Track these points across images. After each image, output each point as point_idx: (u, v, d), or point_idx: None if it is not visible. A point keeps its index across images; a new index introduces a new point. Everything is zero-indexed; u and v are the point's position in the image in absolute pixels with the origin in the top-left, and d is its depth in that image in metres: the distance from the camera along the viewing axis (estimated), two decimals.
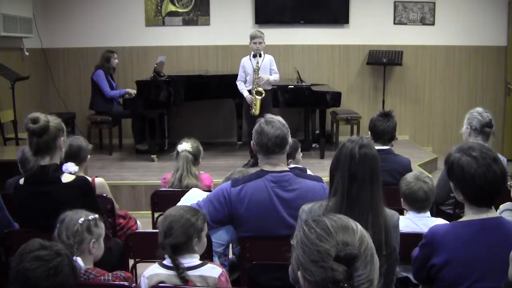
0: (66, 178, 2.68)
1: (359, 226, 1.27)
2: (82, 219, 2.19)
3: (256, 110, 5.53)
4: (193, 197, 2.86)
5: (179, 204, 2.82)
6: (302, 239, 1.25)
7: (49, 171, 2.63)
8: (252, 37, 5.64)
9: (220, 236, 2.72)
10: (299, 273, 1.24)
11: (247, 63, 5.75)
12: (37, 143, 2.61)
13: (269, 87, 5.84)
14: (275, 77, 5.76)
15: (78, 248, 2.16)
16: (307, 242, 1.23)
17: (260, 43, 5.61)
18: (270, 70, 5.75)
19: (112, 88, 6.73)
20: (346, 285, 1.16)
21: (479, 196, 1.98)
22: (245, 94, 5.70)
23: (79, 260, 2.07)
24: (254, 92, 5.60)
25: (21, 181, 2.71)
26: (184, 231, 2.16)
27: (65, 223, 2.18)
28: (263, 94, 5.58)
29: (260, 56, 5.66)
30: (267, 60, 5.75)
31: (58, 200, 2.57)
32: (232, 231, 2.69)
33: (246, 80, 5.75)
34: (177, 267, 2.12)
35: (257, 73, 5.61)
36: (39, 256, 1.70)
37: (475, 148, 2.00)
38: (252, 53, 5.68)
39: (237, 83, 5.82)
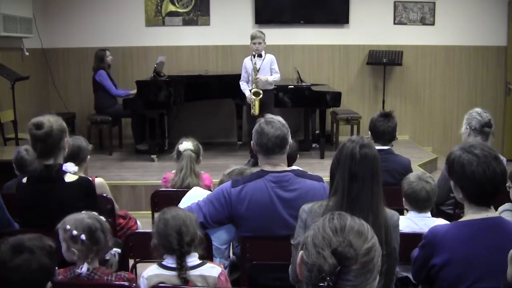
0: (69, 177, 2.70)
1: (376, 242, 1.25)
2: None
3: (255, 111, 5.53)
4: (194, 196, 2.87)
5: (181, 203, 2.83)
6: (320, 223, 1.26)
7: (53, 171, 2.66)
8: (252, 38, 5.64)
9: (220, 237, 2.73)
10: (300, 252, 1.25)
11: (248, 63, 5.75)
12: (41, 148, 2.63)
13: (271, 87, 5.84)
14: (275, 76, 5.75)
15: (94, 257, 2.21)
16: (321, 227, 1.24)
17: (259, 43, 5.61)
18: (270, 70, 5.75)
19: (115, 86, 6.77)
20: (328, 278, 1.16)
21: (478, 194, 1.98)
22: (247, 94, 5.70)
23: (85, 266, 2.14)
24: (251, 93, 5.60)
25: (24, 179, 2.74)
26: (193, 227, 2.20)
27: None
28: (261, 95, 5.57)
29: (260, 56, 5.66)
30: (268, 60, 5.74)
31: (60, 199, 2.60)
32: (232, 230, 2.70)
33: (248, 80, 5.75)
34: (182, 267, 2.13)
35: (256, 73, 5.61)
36: (17, 265, 1.71)
37: (477, 146, 2.01)
38: (253, 53, 5.68)
39: (240, 83, 5.83)
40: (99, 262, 2.27)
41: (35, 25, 6.79)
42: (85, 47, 7.43)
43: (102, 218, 2.28)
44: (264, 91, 5.61)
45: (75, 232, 2.15)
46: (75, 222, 2.18)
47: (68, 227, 2.16)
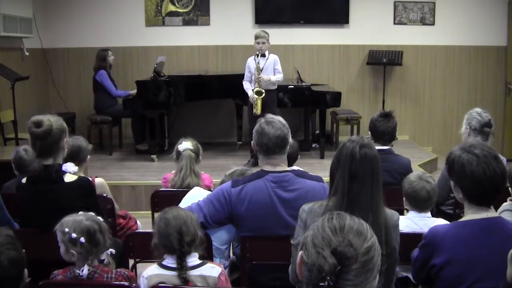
0: (69, 178, 2.69)
1: (376, 241, 1.26)
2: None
3: (257, 110, 5.53)
4: (194, 196, 2.87)
5: (181, 203, 2.83)
6: (319, 223, 1.27)
7: (52, 171, 2.65)
8: (256, 37, 5.64)
9: (220, 237, 2.73)
10: (300, 252, 1.25)
11: (251, 62, 5.75)
12: (40, 146, 2.63)
13: (274, 87, 5.83)
14: (278, 77, 5.75)
15: (94, 258, 2.22)
16: (320, 227, 1.25)
17: (263, 43, 5.60)
18: (274, 70, 5.75)
19: (115, 87, 6.78)
20: (328, 277, 1.17)
21: (478, 194, 1.98)
22: (250, 93, 5.70)
23: (85, 268, 2.15)
24: (254, 92, 5.60)
25: (24, 180, 2.73)
26: (194, 227, 2.20)
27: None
28: (263, 94, 5.57)
29: (264, 56, 5.66)
30: (271, 60, 5.74)
31: (60, 200, 2.60)
32: (232, 230, 2.70)
33: (251, 80, 5.75)
34: (182, 267, 2.13)
35: (259, 72, 5.61)
36: None
37: (476, 146, 2.01)
38: (256, 52, 5.68)
39: (243, 83, 5.83)
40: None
41: (35, 25, 6.79)
42: (85, 47, 7.43)
43: (100, 218, 2.28)
44: (266, 91, 5.61)
45: (74, 235, 2.14)
46: (73, 224, 2.17)
47: (66, 230, 2.15)
